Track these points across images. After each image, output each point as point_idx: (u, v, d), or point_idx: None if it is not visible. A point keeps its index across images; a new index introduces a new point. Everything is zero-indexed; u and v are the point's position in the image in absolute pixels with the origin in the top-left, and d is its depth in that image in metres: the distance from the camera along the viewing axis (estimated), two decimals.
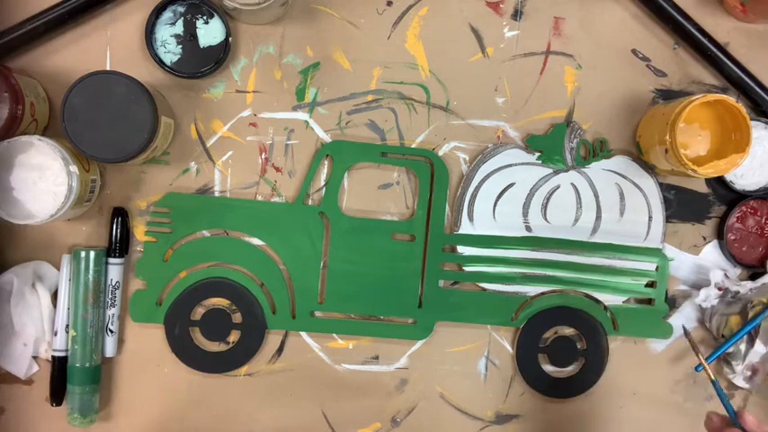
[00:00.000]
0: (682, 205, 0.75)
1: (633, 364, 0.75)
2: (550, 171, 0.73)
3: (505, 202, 0.73)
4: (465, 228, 0.72)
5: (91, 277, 0.68)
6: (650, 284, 0.74)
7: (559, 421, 0.75)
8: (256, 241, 0.71)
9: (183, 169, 0.71)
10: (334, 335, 0.73)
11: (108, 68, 0.69)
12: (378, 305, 0.72)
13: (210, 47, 0.69)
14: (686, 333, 0.71)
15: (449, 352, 0.74)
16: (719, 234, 0.75)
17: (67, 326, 0.68)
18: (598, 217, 0.73)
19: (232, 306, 0.72)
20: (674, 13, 0.72)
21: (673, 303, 0.75)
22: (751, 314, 0.72)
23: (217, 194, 0.71)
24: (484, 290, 0.73)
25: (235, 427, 0.73)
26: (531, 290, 0.73)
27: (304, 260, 0.72)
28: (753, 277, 0.75)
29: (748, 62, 0.73)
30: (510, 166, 0.73)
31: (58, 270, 0.69)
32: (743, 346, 0.73)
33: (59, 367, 0.69)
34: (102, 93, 0.61)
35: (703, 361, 0.68)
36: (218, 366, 0.72)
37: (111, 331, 0.70)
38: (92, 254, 0.68)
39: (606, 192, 0.73)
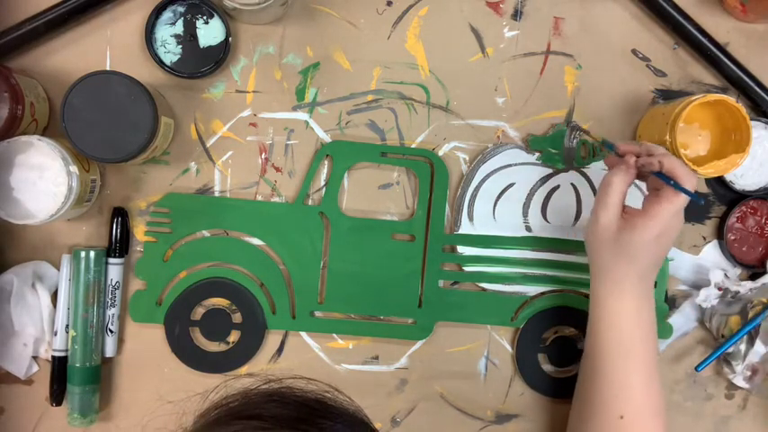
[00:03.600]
0: None
1: None
2: (550, 171, 0.73)
3: (505, 202, 0.73)
4: (465, 228, 0.72)
5: (91, 277, 0.68)
6: None
7: (559, 421, 0.75)
8: (256, 241, 0.71)
9: (182, 169, 0.71)
10: (334, 335, 0.73)
11: (108, 68, 0.69)
12: (378, 305, 0.72)
13: (210, 47, 0.69)
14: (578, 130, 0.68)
15: (449, 352, 0.74)
16: (719, 234, 0.75)
17: (67, 326, 0.68)
18: None
19: (232, 306, 0.71)
20: (674, 13, 0.72)
21: (673, 303, 0.75)
22: (751, 314, 0.72)
23: (217, 194, 0.71)
24: (484, 290, 0.73)
25: None
26: (531, 290, 0.73)
27: (304, 260, 0.71)
28: (753, 277, 0.75)
29: (748, 62, 0.73)
30: (510, 166, 0.73)
31: (58, 270, 0.69)
32: (743, 346, 0.73)
33: (59, 367, 0.69)
34: (102, 93, 0.61)
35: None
36: (218, 366, 0.72)
37: (111, 331, 0.70)
38: (92, 254, 0.68)
39: None
